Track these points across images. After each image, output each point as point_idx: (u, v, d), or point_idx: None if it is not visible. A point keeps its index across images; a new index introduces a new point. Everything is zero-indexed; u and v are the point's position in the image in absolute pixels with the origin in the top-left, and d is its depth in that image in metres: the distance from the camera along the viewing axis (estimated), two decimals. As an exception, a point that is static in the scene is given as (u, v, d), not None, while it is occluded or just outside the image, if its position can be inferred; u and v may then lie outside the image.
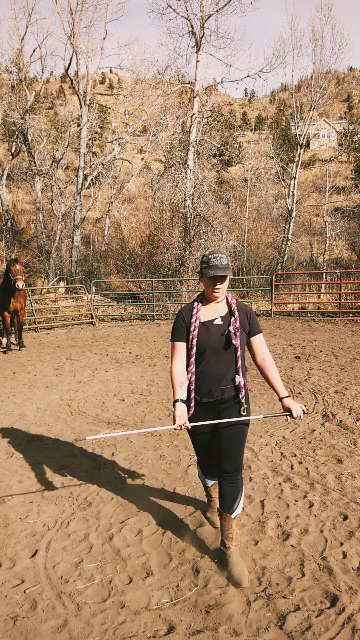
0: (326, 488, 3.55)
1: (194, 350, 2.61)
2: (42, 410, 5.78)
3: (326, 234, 27.24)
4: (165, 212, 18.20)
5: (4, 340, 10.07)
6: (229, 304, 2.70)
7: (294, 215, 21.48)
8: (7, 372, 7.95)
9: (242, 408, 2.64)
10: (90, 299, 13.76)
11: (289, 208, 21.67)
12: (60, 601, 2.49)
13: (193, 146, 16.81)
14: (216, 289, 2.58)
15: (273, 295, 13.68)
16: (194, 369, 2.64)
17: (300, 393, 6.08)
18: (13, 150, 22.70)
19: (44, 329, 12.63)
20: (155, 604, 2.44)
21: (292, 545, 2.87)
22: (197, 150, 17.10)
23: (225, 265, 2.55)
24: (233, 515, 2.68)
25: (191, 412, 2.65)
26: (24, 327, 10.58)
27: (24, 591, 2.58)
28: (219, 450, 2.69)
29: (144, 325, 12.83)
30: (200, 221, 16.81)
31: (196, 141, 16.93)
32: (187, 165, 16.83)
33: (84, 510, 3.40)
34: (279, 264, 21.02)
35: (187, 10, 16.32)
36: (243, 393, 2.65)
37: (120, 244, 21.90)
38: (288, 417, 2.64)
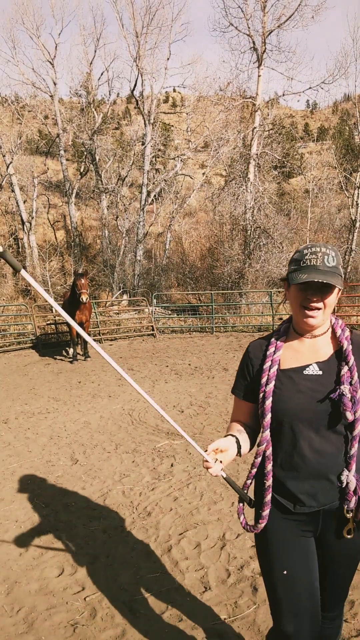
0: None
1: (267, 419, 1.54)
2: (105, 419, 5.98)
3: (395, 244, 25.93)
4: (225, 225, 18.26)
5: (71, 351, 10.53)
6: (336, 339, 1.56)
7: (358, 225, 20.74)
8: (73, 382, 8.30)
9: (350, 528, 1.54)
10: (152, 311, 14.05)
11: (353, 218, 20.97)
12: (119, 610, 2.54)
13: (254, 159, 16.81)
14: (311, 308, 1.47)
15: (336, 308, 13.25)
16: (270, 452, 1.56)
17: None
18: (82, 170, 23.91)
19: (107, 340, 13.06)
20: (213, 620, 2.43)
21: None
22: (258, 163, 17.07)
23: (332, 267, 1.44)
24: None
25: (262, 524, 1.58)
26: (88, 338, 11.04)
27: (85, 598, 2.65)
28: (324, 586, 1.67)
29: (203, 337, 12.87)
30: (260, 233, 16.71)
31: (257, 154, 16.91)
32: (248, 178, 16.83)
33: (144, 520, 3.46)
34: (342, 276, 20.40)
35: (249, 27, 16.47)
36: (354, 501, 1.52)
37: (180, 257, 22.24)
38: None
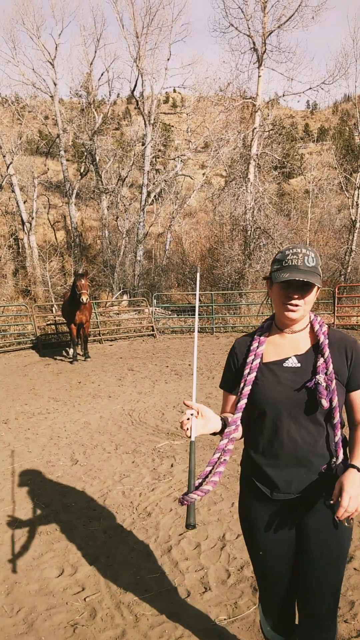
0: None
1: (241, 403, 1.65)
2: (105, 420, 5.98)
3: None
4: (225, 226, 18.27)
5: (71, 351, 10.53)
6: (314, 334, 1.67)
7: (358, 225, 20.74)
8: (73, 382, 8.30)
9: (341, 515, 1.50)
10: (152, 312, 14.05)
11: (353, 219, 20.97)
12: (119, 611, 2.54)
13: (254, 160, 16.81)
14: (291, 305, 1.57)
15: (336, 309, 13.24)
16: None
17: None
18: (82, 171, 23.90)
19: (107, 340, 13.06)
20: (213, 620, 2.43)
21: None
22: (258, 164, 17.07)
23: (311, 267, 1.55)
24: None
25: (196, 495, 1.47)
26: (89, 338, 11.03)
27: (85, 599, 2.65)
28: (304, 581, 1.70)
29: (203, 337, 12.87)
30: (260, 234, 16.70)
31: (257, 155, 16.91)
32: (248, 178, 16.83)
33: (144, 520, 3.46)
34: (342, 276, 20.34)
35: (249, 28, 16.46)
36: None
37: (180, 257, 22.26)
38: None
